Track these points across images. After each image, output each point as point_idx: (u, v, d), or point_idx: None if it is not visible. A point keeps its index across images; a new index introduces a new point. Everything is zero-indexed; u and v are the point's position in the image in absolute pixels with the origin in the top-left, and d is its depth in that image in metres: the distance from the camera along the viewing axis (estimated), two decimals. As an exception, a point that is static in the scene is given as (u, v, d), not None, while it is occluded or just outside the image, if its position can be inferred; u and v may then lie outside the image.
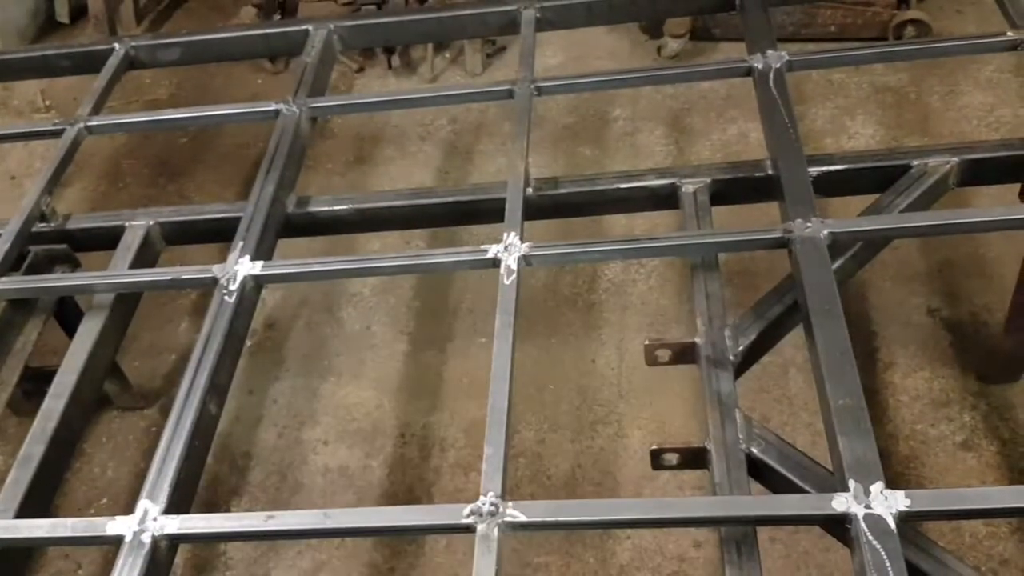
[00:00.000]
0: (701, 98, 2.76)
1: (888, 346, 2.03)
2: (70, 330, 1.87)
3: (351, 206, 1.95)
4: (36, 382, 1.89)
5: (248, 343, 2.33)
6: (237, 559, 1.90)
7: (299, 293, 2.42)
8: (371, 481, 1.97)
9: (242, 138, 2.87)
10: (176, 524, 1.34)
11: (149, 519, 1.34)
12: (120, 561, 1.29)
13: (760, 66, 1.86)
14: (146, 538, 1.32)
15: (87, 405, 1.78)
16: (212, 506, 1.98)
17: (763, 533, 1.75)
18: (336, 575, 1.83)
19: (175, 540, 1.35)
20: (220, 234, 1.89)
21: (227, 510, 1.96)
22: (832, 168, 1.81)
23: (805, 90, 2.72)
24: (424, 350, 2.24)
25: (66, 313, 1.95)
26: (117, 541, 1.33)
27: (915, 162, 1.79)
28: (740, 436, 1.43)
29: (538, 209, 1.85)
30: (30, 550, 1.91)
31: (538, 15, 2.13)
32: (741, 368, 1.58)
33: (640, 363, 1.92)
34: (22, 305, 1.87)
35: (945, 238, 2.20)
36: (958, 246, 2.18)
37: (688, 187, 1.83)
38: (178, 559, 1.89)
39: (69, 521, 1.39)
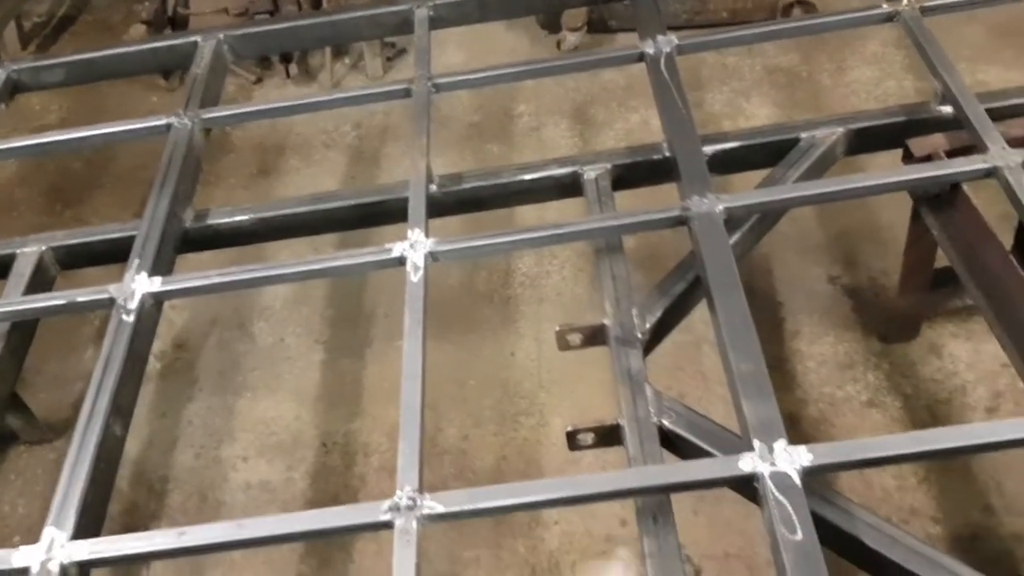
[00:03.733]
0: (603, 90, 2.80)
1: (793, 315, 2.09)
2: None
3: (252, 216, 1.92)
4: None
5: (158, 365, 2.28)
6: (159, 583, 1.85)
7: (209, 311, 2.37)
8: (294, 493, 1.94)
9: (139, 159, 2.79)
10: (85, 549, 1.29)
11: (56, 546, 1.29)
12: None
13: (652, 51, 1.89)
14: (53, 566, 1.27)
15: None
16: (130, 530, 1.92)
17: (686, 506, 1.79)
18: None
19: (85, 566, 1.30)
20: (117, 255, 1.83)
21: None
22: (726, 146, 1.86)
23: (702, 76, 2.78)
24: (341, 358, 2.21)
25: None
26: (24, 574, 1.28)
27: (804, 135, 1.85)
28: (651, 410, 1.45)
29: (443, 206, 1.85)
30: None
31: (431, 13, 2.13)
32: (650, 345, 1.61)
33: (559, 353, 1.94)
34: None
35: (841, 209, 2.27)
36: (853, 215, 2.26)
37: (590, 174, 1.86)
38: (97, 589, 1.84)
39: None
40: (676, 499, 1.73)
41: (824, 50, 2.80)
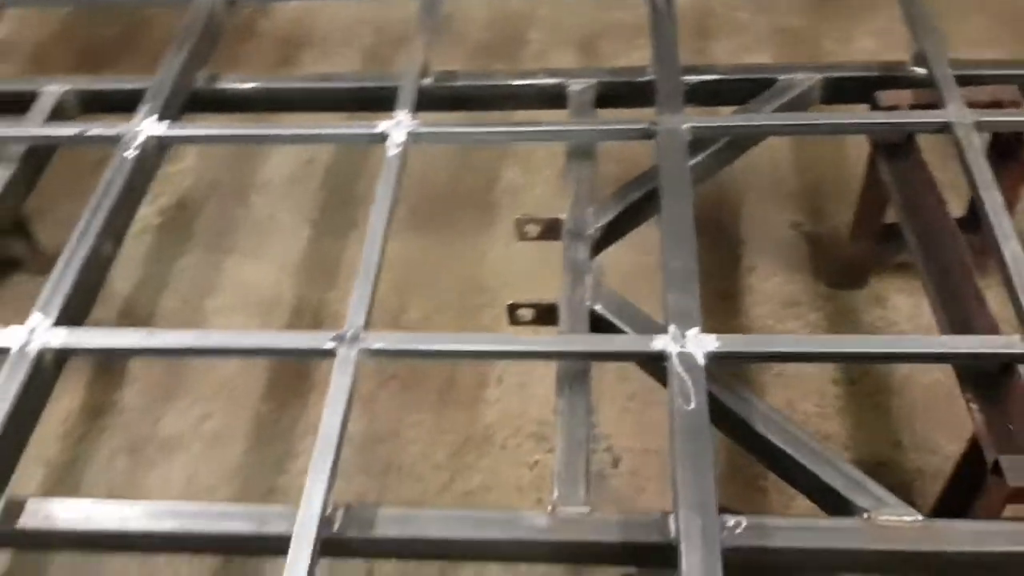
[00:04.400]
0: (613, 26, 2.90)
1: (751, 254, 2.21)
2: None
3: (260, 85, 2.04)
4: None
5: (158, 220, 2.43)
6: (130, 407, 2.01)
7: (211, 178, 2.52)
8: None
9: (171, 32, 2.91)
10: (63, 337, 1.45)
11: (39, 331, 1.44)
12: (2, 374, 1.39)
13: (651, -21, 2.00)
14: (32, 349, 1.43)
15: None
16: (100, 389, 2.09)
17: (617, 405, 1.94)
18: (223, 422, 1.96)
19: (62, 353, 1.45)
20: (134, 104, 1.98)
21: (124, 367, 2.08)
22: (706, 77, 1.96)
23: (709, 27, 2.88)
24: (326, 236, 2.36)
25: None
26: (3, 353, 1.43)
27: (782, 77, 1.96)
28: (587, 296, 1.59)
29: (435, 99, 1.96)
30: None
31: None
32: (600, 244, 1.73)
33: (527, 258, 2.08)
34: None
35: (814, 163, 2.38)
36: (826, 170, 2.37)
37: (575, 87, 1.97)
38: (72, 404, 2.02)
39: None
40: (607, 398, 1.90)
41: (834, 19, 2.88)
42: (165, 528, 1.33)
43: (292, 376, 2.04)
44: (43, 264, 2.29)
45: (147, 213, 2.40)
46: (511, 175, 2.45)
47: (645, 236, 1.73)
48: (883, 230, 2.02)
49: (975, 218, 1.62)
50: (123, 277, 2.22)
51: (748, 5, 2.87)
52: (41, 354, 1.42)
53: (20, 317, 2.08)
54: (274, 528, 1.29)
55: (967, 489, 1.41)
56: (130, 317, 2.17)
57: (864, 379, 1.96)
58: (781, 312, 2.07)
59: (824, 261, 2.18)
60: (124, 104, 2.05)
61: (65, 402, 2.01)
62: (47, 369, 1.44)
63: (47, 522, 1.33)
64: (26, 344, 1.42)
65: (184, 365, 2.08)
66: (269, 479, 1.87)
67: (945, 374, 1.65)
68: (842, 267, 2.12)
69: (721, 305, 2.11)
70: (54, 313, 1.47)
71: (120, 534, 1.33)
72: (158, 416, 1.99)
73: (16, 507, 1.33)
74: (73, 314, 1.51)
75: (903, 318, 2.07)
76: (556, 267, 1.92)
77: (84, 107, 2.05)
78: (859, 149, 1.97)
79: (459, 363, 2.04)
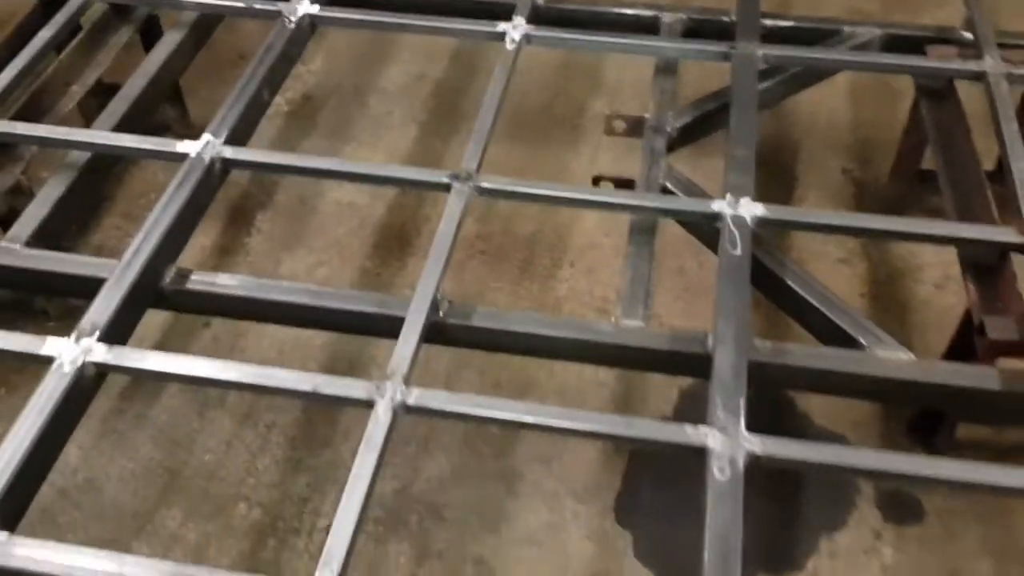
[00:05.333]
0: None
1: (803, 189, 2.50)
2: (148, 48, 2.31)
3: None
4: (108, 96, 2.25)
5: (287, 108, 2.80)
6: (256, 251, 2.37)
7: (336, 78, 2.88)
8: (372, 214, 2.45)
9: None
10: (230, 151, 1.80)
11: (212, 144, 1.80)
12: (177, 178, 1.72)
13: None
14: (206, 156, 1.78)
15: (147, 111, 2.17)
16: (241, 212, 2.45)
17: (671, 294, 2.24)
18: (333, 271, 2.31)
19: (227, 164, 1.81)
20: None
21: (253, 220, 2.44)
22: (780, 22, 2.26)
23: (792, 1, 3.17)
24: (432, 136, 2.70)
25: (150, 32, 2.40)
26: (182, 158, 1.78)
27: (846, 28, 2.25)
28: (660, 175, 1.90)
29: (546, 18, 2.29)
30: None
31: None
32: (676, 143, 2.05)
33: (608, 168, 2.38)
34: (120, 11, 2.31)
35: (871, 119, 2.67)
36: (882, 125, 2.64)
37: (666, 19, 2.29)
38: (207, 242, 2.38)
39: (142, 140, 1.85)
40: (664, 287, 2.19)
41: (905, 6, 3.15)
42: (302, 301, 1.67)
43: (394, 240, 2.38)
44: (188, 129, 2.67)
45: (278, 101, 2.76)
46: (599, 105, 2.77)
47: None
48: (919, 174, 2.29)
49: (1002, 172, 1.83)
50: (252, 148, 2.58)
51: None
52: (212, 162, 1.77)
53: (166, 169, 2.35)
54: (392, 311, 1.62)
55: (963, 354, 1.69)
56: (256, 182, 2.53)
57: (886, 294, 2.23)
58: (822, 238, 2.35)
59: (868, 201, 2.45)
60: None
61: (201, 239, 2.37)
62: (216, 175, 1.79)
63: (210, 287, 1.68)
64: (202, 151, 1.78)
65: (303, 222, 2.43)
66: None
67: (958, 298, 1.91)
68: (880, 207, 2.39)
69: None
70: (224, 133, 1.82)
71: (268, 302, 1.68)
72: (279, 260, 2.35)
73: (184, 274, 1.68)
74: (240, 136, 1.86)
75: (929, 253, 2.29)
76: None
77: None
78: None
79: (538, 244, 2.36)
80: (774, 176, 2.52)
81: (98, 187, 2.04)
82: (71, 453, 1.93)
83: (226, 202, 2.45)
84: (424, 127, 2.74)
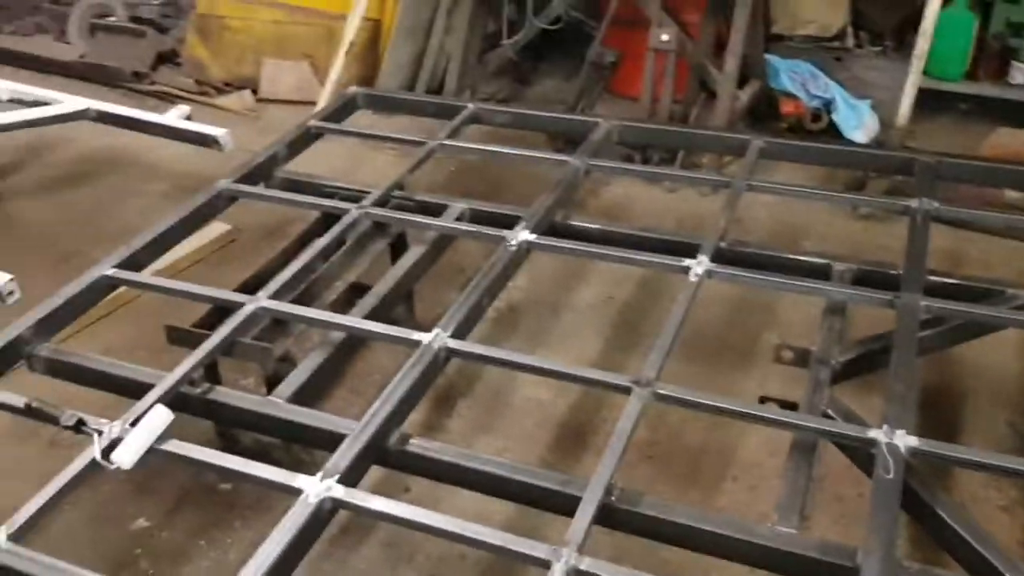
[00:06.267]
0: (875, 247, 3.47)
1: (965, 435, 2.61)
2: (395, 258, 2.82)
3: (600, 226, 2.83)
4: (360, 293, 2.76)
5: (493, 315, 3.22)
6: (455, 431, 2.71)
7: (536, 296, 3.31)
8: (556, 412, 2.76)
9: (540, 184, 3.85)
10: (454, 343, 2.17)
11: (440, 336, 2.18)
12: (411, 360, 2.11)
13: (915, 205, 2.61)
14: (435, 345, 2.16)
15: (389, 307, 2.66)
16: (447, 398, 2.83)
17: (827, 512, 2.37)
18: (516, 457, 2.60)
19: (450, 353, 2.18)
20: (507, 223, 2.79)
21: (455, 405, 2.81)
22: (946, 280, 2.48)
23: (960, 259, 3.37)
24: (615, 350, 3.04)
25: (399, 245, 2.92)
26: (416, 345, 2.16)
27: (1010, 290, 2.44)
28: (823, 402, 2.12)
29: (727, 258, 2.60)
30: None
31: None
32: (840, 375, 2.27)
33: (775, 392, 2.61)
34: (379, 227, 2.85)
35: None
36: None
37: (838, 267, 2.56)
38: (417, 418, 2.74)
39: (387, 328, 2.26)
40: (819, 509, 2.34)
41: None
42: (499, 472, 1.96)
43: (573, 437, 2.67)
44: (414, 326, 3.12)
45: (488, 310, 3.20)
46: (770, 337, 3.03)
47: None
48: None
49: None
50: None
51: (1001, 256, 3.36)
52: (437, 352, 2.15)
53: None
54: (572, 490, 1.87)
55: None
56: (463, 374, 2.92)
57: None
58: (984, 481, 2.44)
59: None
60: (506, 224, 2.89)
61: (413, 415, 2.71)
62: (439, 363, 2.17)
63: (425, 450, 2.01)
64: (432, 342, 2.16)
65: (497, 412, 2.77)
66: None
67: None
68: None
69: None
70: (451, 328, 2.20)
71: (471, 469, 1.98)
72: (472, 441, 2.68)
73: (406, 438, 2.02)
74: (461, 332, 2.25)
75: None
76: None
77: (475, 219, 2.91)
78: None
79: (704, 456, 2.57)
80: (937, 421, 2.65)
81: (344, 363, 2.48)
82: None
83: (436, 388, 2.84)
84: (608, 342, 3.08)
